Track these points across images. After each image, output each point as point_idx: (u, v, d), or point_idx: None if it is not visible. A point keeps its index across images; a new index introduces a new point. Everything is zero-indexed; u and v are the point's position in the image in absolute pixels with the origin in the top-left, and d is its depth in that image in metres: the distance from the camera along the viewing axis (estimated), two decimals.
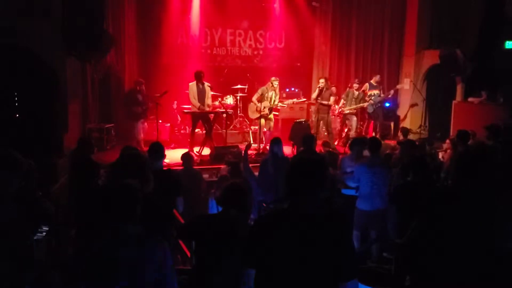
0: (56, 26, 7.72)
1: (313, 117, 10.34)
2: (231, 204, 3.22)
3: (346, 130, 10.80)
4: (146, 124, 9.81)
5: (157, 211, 3.33)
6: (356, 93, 10.54)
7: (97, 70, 9.59)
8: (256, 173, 6.22)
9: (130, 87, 10.25)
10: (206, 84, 9.16)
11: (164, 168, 4.78)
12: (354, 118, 10.59)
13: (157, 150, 4.29)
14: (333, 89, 10.45)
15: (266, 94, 9.55)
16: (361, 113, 11.44)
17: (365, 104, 10.56)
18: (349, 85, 11.35)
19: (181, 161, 6.41)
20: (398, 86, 11.40)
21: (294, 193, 2.27)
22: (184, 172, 6.24)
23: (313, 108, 10.67)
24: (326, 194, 2.34)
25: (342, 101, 10.77)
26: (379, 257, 5.32)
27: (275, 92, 9.65)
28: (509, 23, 9.36)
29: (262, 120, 9.59)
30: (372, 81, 10.89)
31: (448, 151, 7.13)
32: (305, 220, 2.22)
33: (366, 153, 5.80)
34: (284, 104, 10.22)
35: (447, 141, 7.43)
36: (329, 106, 9.98)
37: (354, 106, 10.50)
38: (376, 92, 10.70)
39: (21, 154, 2.79)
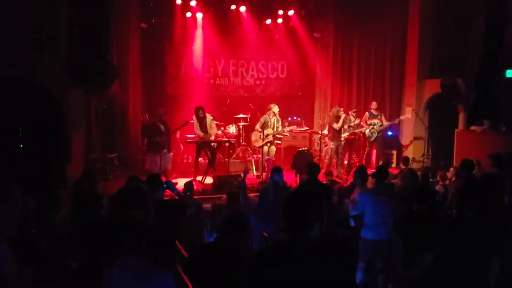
0: (61, 59, 7.83)
1: (332, 145, 10.22)
2: (230, 233, 3.18)
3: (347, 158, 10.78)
4: (172, 153, 9.80)
5: (160, 243, 3.29)
6: (353, 119, 10.56)
7: (101, 101, 9.67)
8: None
9: (135, 117, 10.40)
10: (208, 115, 9.28)
11: (166, 198, 4.77)
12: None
13: (154, 181, 4.32)
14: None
15: (269, 122, 9.63)
16: (363, 141, 11.44)
17: (363, 129, 10.59)
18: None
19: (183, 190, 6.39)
20: (402, 117, 11.38)
21: (292, 226, 2.25)
22: None
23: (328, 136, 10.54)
24: (326, 225, 2.31)
25: None
26: None
27: (277, 118, 9.74)
28: (509, 52, 9.45)
29: (265, 148, 9.63)
30: (372, 111, 10.84)
31: (453, 179, 7.09)
32: (305, 253, 2.20)
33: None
34: (286, 130, 10.24)
35: (451, 169, 7.40)
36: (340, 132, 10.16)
37: (351, 131, 10.48)
38: (376, 121, 10.69)
39: (23, 185, 2.74)
